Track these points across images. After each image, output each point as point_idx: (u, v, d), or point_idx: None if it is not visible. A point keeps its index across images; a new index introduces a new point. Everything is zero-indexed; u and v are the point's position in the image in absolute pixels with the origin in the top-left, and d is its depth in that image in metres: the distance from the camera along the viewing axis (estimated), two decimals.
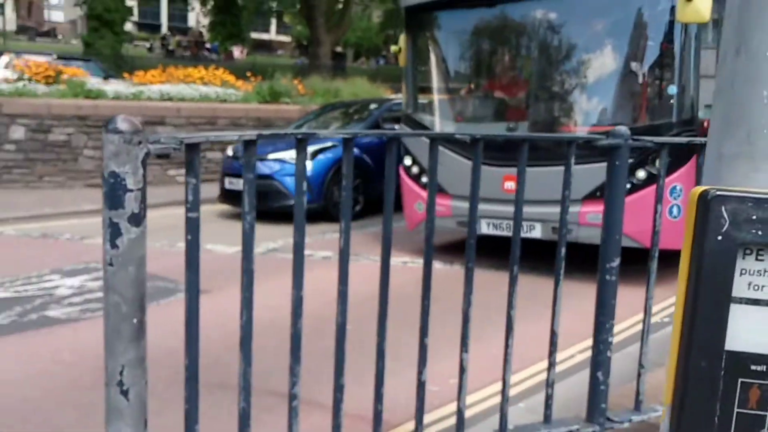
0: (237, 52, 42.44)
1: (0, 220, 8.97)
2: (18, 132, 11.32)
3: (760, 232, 0.92)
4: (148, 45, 44.21)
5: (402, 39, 7.44)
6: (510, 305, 2.29)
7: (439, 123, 7.07)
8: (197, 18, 51.13)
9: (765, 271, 0.95)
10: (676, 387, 1.00)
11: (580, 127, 6.15)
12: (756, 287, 0.95)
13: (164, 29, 55.71)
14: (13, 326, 5.01)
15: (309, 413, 2.97)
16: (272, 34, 65.54)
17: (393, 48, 7.89)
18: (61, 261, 6.91)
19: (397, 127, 8.21)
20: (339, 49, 42.93)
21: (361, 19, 46.23)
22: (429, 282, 2.08)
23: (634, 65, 5.86)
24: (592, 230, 4.52)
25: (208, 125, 12.58)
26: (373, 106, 11.09)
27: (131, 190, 1.02)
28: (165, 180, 12.10)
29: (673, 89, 5.53)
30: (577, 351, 4.45)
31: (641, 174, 5.40)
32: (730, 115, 1.10)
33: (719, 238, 0.93)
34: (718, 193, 0.94)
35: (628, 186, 5.20)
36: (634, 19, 5.89)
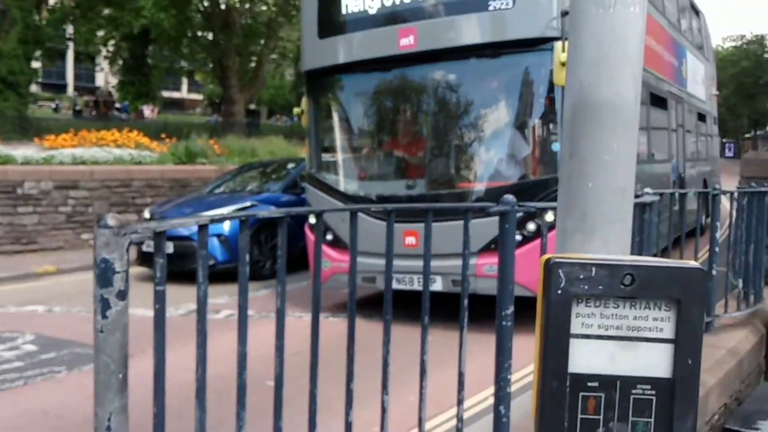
0: (147, 111, 42.00)
1: None
2: None
3: (586, 287, 1.31)
4: (53, 105, 43.10)
5: (304, 101, 7.74)
6: (423, 351, 2.63)
7: (342, 182, 7.36)
8: (106, 77, 50.38)
9: (592, 314, 1.33)
10: (537, 403, 1.36)
11: (475, 183, 6.59)
12: (586, 326, 1.33)
13: (70, 89, 54.47)
14: None
15: None
16: (184, 93, 65.18)
17: (296, 110, 8.08)
18: None
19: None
20: (253, 106, 43.26)
21: (273, 77, 46.84)
22: (353, 333, 2.40)
23: (522, 124, 6.41)
24: (489, 281, 4.86)
25: (123, 188, 12.53)
26: (290, 165, 11.44)
27: (118, 272, 1.30)
28: (78, 244, 11.92)
29: (556, 146, 6.08)
30: (489, 394, 4.84)
31: (531, 227, 5.86)
32: (569, 200, 1.50)
33: (559, 292, 1.31)
34: (556, 259, 1.32)
35: (520, 238, 5.73)
36: (521, 81, 6.40)
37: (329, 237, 6.83)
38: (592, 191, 1.47)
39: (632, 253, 3.62)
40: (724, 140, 55.59)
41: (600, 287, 1.31)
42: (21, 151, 12.96)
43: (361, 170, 7.52)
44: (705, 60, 14.12)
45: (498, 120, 6.57)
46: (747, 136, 59.64)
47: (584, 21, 1.49)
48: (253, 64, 29.47)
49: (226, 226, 8.61)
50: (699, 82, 12.96)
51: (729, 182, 11.15)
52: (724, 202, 6.39)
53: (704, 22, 14.60)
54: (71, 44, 34.57)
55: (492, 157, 6.63)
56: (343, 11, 7.01)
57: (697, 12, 13.80)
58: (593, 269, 1.31)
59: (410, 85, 7.02)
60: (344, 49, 7.11)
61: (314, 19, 7.30)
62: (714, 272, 5.04)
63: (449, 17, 6.42)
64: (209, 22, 27.12)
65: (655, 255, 4.35)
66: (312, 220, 7.11)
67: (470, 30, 6.34)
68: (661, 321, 1.33)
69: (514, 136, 6.46)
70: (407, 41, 6.54)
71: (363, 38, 6.95)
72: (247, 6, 24.30)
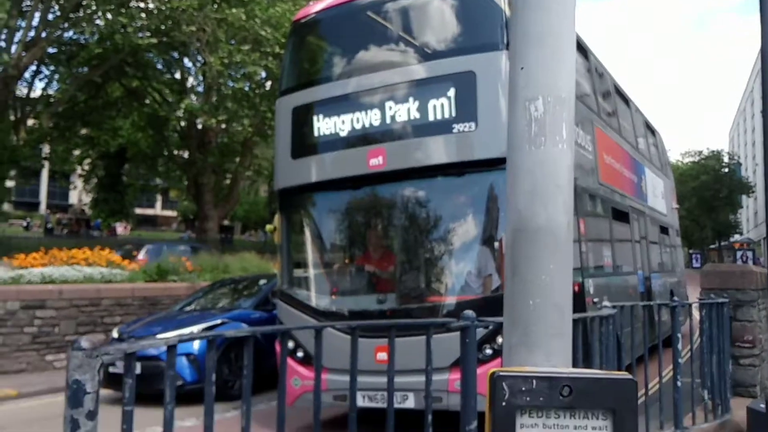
0: (120, 228, 42.06)
1: None
2: None
3: (528, 398, 1.41)
4: (24, 223, 42.98)
5: (277, 218, 7.91)
6: None
7: (314, 298, 7.36)
8: (79, 195, 50.68)
9: (535, 424, 1.43)
10: None
11: (443, 297, 6.68)
12: None
13: (43, 207, 54.56)
14: None
15: None
16: (158, 209, 65.61)
17: (268, 227, 8.33)
18: None
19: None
20: (227, 222, 43.57)
21: (248, 193, 47.53)
22: None
23: (488, 239, 6.57)
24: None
25: (92, 307, 12.37)
26: (262, 281, 11.34)
27: (89, 393, 1.37)
28: (42, 366, 11.59)
29: None
30: None
31: (500, 340, 5.90)
32: (513, 317, 1.63)
33: (503, 404, 1.41)
34: (501, 373, 1.43)
35: (491, 352, 5.75)
36: (485, 198, 6.64)
37: (300, 354, 6.76)
38: (533, 309, 1.60)
39: (593, 367, 3.72)
40: (691, 251, 57.03)
41: (541, 399, 1.41)
42: None
43: (331, 286, 7.56)
44: (663, 176, 14.76)
45: (464, 236, 6.78)
46: (712, 246, 61.24)
47: (519, 156, 1.68)
48: (228, 181, 30.02)
49: (196, 345, 8.48)
50: (659, 196, 13.48)
51: (696, 292, 11.41)
52: (696, 313, 6.55)
53: (660, 140, 15.41)
54: (46, 163, 35.01)
55: (459, 271, 6.76)
56: (315, 133, 7.31)
57: (653, 131, 14.60)
58: (534, 382, 1.41)
59: (379, 202, 7.24)
60: (316, 168, 7.36)
61: (287, 141, 7.60)
62: (679, 384, 5.12)
63: (416, 139, 6.71)
64: (186, 141, 27.86)
65: (621, 367, 4.44)
66: (290, 344, 6.94)
67: (436, 151, 6.64)
68: (599, 430, 1.43)
69: (480, 252, 6.63)
70: (376, 161, 6.80)
71: (334, 158, 7.23)
72: (223, 126, 25.09)
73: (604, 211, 8.93)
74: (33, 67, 24.77)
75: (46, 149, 31.26)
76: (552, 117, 1.65)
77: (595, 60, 9.77)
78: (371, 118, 6.93)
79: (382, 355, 5.92)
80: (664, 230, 13.63)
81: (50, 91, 26.50)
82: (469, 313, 2.74)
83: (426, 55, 6.98)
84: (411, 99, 6.69)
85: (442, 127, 6.53)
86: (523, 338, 1.59)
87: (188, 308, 10.87)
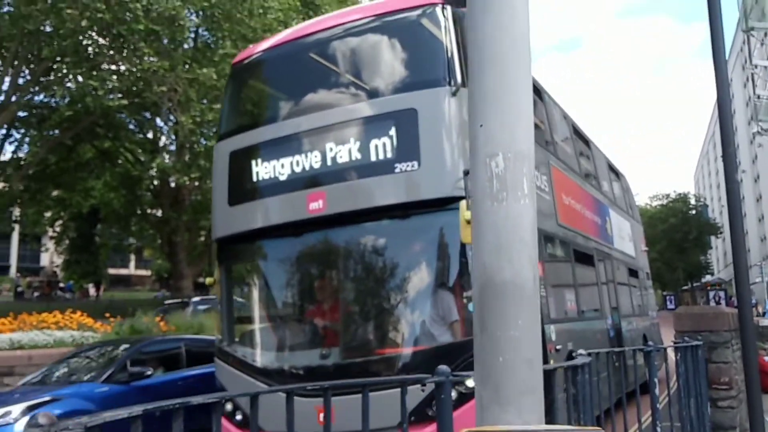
0: (93, 289, 41.34)
1: None
2: None
3: None
4: None
5: (216, 271, 7.32)
6: None
7: (254, 355, 6.92)
8: (51, 257, 49.86)
9: None
10: None
11: (390, 349, 6.21)
12: None
13: (13, 270, 53.54)
14: None
15: None
16: (131, 269, 64.74)
17: (208, 280, 7.69)
18: None
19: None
20: (201, 280, 43.03)
21: None
22: None
23: (436, 285, 6.15)
24: None
25: None
26: (123, 346, 9.53)
27: None
28: None
29: (471, 306, 5.40)
30: None
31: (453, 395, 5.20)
32: (483, 374, 1.62)
33: None
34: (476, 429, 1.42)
35: (431, 413, 4.98)
36: (431, 241, 6.24)
37: (239, 417, 6.32)
38: (503, 365, 1.60)
39: (569, 419, 3.68)
40: (664, 293, 57.50)
41: None
42: None
43: (272, 341, 7.04)
44: (630, 218, 14.59)
45: (413, 282, 6.33)
46: (684, 288, 61.88)
47: (482, 212, 1.69)
48: (202, 239, 29.78)
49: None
50: (626, 238, 13.23)
51: (671, 334, 11.27)
52: (672, 356, 6.51)
53: (626, 183, 15.44)
54: (17, 226, 34.49)
55: (409, 321, 6.31)
56: (253, 178, 6.88)
57: (617, 173, 14.48)
58: None
59: (321, 249, 6.76)
60: (253, 215, 6.91)
61: (225, 188, 7.19)
62: (659, 430, 5.09)
63: (358, 180, 6.28)
64: (159, 199, 27.72)
65: (597, 416, 4.40)
66: (228, 406, 6.40)
67: (378, 192, 6.22)
68: None
69: (430, 299, 6.18)
70: (316, 205, 6.36)
71: (272, 204, 6.80)
72: (196, 183, 25.04)
73: (565, 254, 8.62)
74: (3, 131, 24.64)
75: (16, 212, 30.84)
76: (512, 173, 1.68)
77: (549, 99, 9.60)
78: (311, 160, 6.52)
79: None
80: (633, 273, 13.34)
81: (20, 154, 26.31)
82: (445, 368, 2.71)
83: (367, 93, 6.71)
84: (352, 139, 6.35)
85: (384, 167, 6.12)
86: (494, 396, 1.58)
87: (34, 380, 9.07)
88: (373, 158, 6.19)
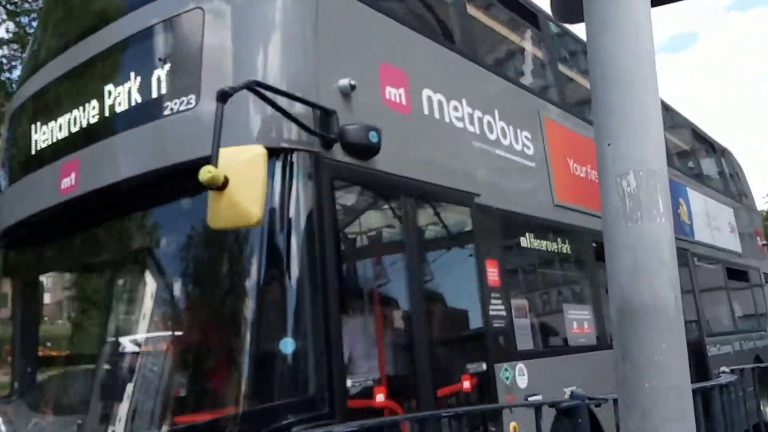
0: None
1: None
2: None
3: None
4: None
5: None
6: None
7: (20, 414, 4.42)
8: None
9: None
10: None
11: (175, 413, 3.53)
12: None
13: None
14: None
15: None
16: None
17: None
18: None
19: None
20: None
21: None
22: None
23: (259, 299, 3.41)
24: None
25: None
26: None
27: None
28: None
29: (288, 343, 3.22)
30: None
31: None
32: (628, 401, 1.57)
33: None
34: None
35: None
36: (259, 234, 3.32)
37: None
38: (649, 392, 1.53)
39: None
40: None
41: None
42: None
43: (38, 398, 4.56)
44: (735, 203, 11.10)
45: (217, 301, 3.64)
46: None
47: (615, 233, 1.65)
48: None
49: None
50: (724, 229, 9.97)
51: None
52: None
53: (729, 160, 11.97)
54: None
55: (209, 367, 3.61)
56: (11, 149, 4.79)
57: (712, 146, 11.15)
58: None
59: (79, 253, 4.38)
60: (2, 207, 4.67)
61: None
62: None
63: (115, 137, 3.88)
64: None
65: None
66: None
67: (140, 152, 3.74)
68: None
69: (244, 324, 3.34)
70: (68, 181, 4.00)
71: (23, 188, 4.50)
72: None
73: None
74: None
75: None
76: (645, 191, 1.62)
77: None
78: (65, 118, 4.20)
79: None
80: (737, 274, 10.10)
81: None
82: (579, 391, 2.64)
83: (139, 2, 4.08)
84: (112, 74, 4.00)
85: (152, 110, 3.66)
86: (641, 424, 1.52)
87: None
88: (137, 99, 3.76)
